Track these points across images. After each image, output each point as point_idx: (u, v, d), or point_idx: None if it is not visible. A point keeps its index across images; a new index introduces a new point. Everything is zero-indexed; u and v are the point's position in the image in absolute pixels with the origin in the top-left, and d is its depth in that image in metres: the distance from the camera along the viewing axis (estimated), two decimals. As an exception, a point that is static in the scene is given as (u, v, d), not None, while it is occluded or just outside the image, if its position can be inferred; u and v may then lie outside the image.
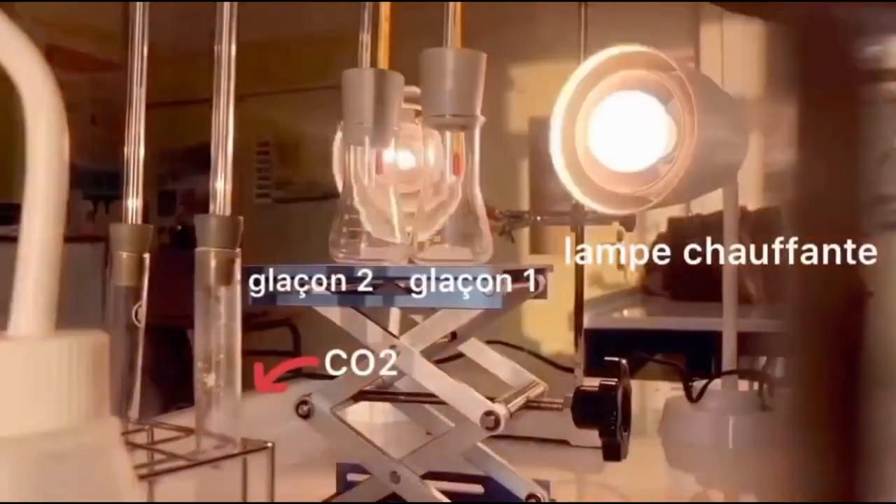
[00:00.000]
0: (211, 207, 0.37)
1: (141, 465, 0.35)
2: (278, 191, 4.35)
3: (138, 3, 0.40)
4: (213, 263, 0.36)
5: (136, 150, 0.39)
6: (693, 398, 0.93)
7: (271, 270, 0.55)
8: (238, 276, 0.38)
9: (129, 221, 0.39)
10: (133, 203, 0.39)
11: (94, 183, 4.27)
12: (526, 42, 3.40)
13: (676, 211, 2.84)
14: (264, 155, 4.36)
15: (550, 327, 2.77)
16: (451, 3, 0.56)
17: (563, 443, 0.88)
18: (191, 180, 4.61)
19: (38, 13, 3.96)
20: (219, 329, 0.36)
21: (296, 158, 4.33)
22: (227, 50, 0.36)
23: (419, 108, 0.58)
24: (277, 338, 3.61)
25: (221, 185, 0.37)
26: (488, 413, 0.52)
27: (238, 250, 0.38)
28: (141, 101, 0.39)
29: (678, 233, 2.70)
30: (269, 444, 0.37)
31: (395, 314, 0.76)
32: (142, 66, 0.39)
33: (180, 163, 4.45)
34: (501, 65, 3.61)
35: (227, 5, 0.36)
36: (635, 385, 0.73)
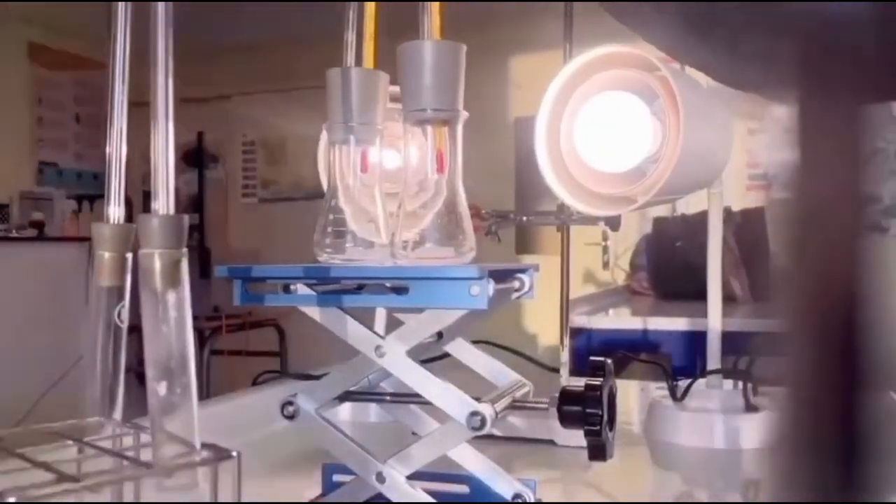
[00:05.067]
0: (153, 205, 0.34)
1: (104, 472, 0.34)
2: (264, 190, 4.34)
3: (120, 3, 0.39)
4: (157, 265, 0.34)
5: (118, 149, 0.39)
6: (677, 397, 0.94)
7: (257, 270, 0.54)
8: (186, 277, 0.36)
9: (112, 221, 0.39)
10: (115, 203, 0.39)
11: (78, 182, 4.25)
12: (521, 37, 3.40)
13: (661, 211, 2.85)
14: (250, 154, 4.35)
15: (537, 326, 2.78)
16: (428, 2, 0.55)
17: (549, 442, 0.88)
18: (176, 179, 4.59)
19: (23, 12, 3.93)
20: (169, 334, 0.34)
21: (282, 158, 4.32)
22: (164, 50, 0.34)
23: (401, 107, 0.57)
24: (263, 338, 3.61)
25: (164, 182, 0.35)
26: (474, 413, 0.52)
27: (185, 250, 0.36)
28: (123, 99, 0.39)
29: (663, 232, 2.72)
30: (235, 454, 0.36)
31: (381, 314, 0.76)
32: (124, 65, 0.39)
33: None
34: (497, 60, 3.62)
35: (161, 5, 0.34)
36: (621, 385, 0.73)
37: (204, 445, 0.34)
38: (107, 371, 0.39)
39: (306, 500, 0.62)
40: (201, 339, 3.28)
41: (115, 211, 0.39)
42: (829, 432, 0.21)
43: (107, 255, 0.38)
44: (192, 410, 0.33)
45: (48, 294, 3.07)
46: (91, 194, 4.17)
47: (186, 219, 0.33)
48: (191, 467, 0.32)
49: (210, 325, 3.32)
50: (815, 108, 0.21)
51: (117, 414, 0.39)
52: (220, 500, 0.34)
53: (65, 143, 4.26)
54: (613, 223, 0.97)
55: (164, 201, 0.33)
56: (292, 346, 3.58)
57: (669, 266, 2.55)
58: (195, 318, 0.34)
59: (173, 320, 0.32)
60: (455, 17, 0.59)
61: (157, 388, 0.32)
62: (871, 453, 0.21)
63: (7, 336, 2.95)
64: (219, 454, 0.33)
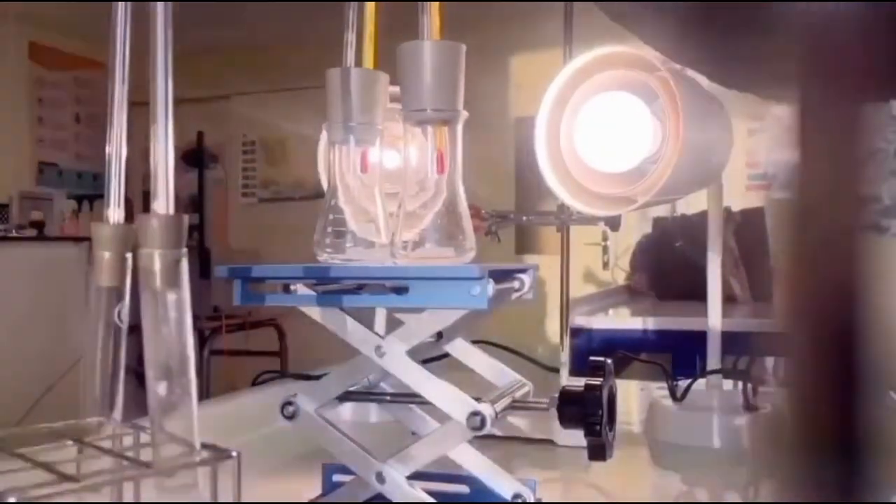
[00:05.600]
0: (153, 205, 0.34)
1: (104, 472, 0.34)
2: (264, 190, 4.34)
3: (120, 3, 0.39)
4: (157, 265, 0.34)
5: (118, 149, 0.39)
6: (677, 397, 0.94)
7: (257, 270, 0.54)
8: (186, 277, 0.35)
9: (112, 221, 0.39)
10: (115, 203, 0.39)
11: (78, 182, 4.25)
12: (522, 37, 3.40)
13: (662, 211, 2.85)
14: (250, 154, 4.35)
15: (537, 326, 2.78)
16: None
17: (549, 442, 0.88)
18: (176, 180, 4.59)
19: (23, 11, 3.93)
20: (169, 334, 0.34)
21: (282, 158, 4.32)
22: (164, 50, 0.34)
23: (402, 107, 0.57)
24: (263, 338, 3.60)
25: (164, 182, 0.34)
26: (474, 413, 0.52)
27: (185, 250, 0.35)
28: (123, 100, 0.39)
29: (663, 232, 2.72)
30: (235, 454, 0.35)
31: (381, 314, 0.76)
32: (124, 65, 0.39)
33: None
34: (498, 60, 3.62)
35: (160, 5, 0.34)
36: (621, 385, 0.72)
37: (204, 445, 0.34)
38: (107, 371, 0.39)
39: (306, 500, 0.62)
40: (201, 339, 3.28)
41: (115, 211, 0.39)
42: (828, 432, 0.21)
43: (106, 255, 0.38)
44: (191, 410, 0.33)
45: (48, 294, 3.07)
46: (91, 194, 4.17)
47: (186, 219, 0.33)
48: (191, 467, 0.32)
49: (210, 326, 3.32)
50: (814, 106, 0.21)
51: (117, 414, 0.39)
52: (219, 500, 0.34)
53: (65, 143, 4.26)
54: (613, 223, 0.97)
55: (164, 201, 0.32)
56: (292, 346, 3.58)
57: (669, 266, 2.56)
58: (195, 318, 0.34)
59: (173, 320, 0.32)
60: (455, 17, 0.59)
61: (157, 389, 0.32)
62: (871, 453, 0.21)
63: (6, 335, 2.95)
64: (219, 454, 0.33)
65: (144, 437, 0.38)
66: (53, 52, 4.19)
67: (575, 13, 1.04)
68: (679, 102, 0.65)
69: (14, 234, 3.13)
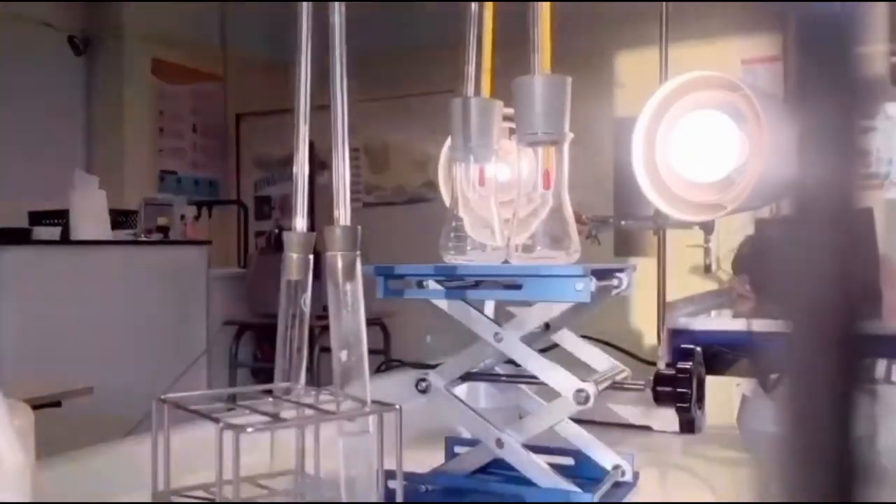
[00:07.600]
0: (335, 216, 0.45)
1: (303, 416, 0.45)
2: (367, 196, 4.51)
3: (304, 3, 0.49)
4: (339, 264, 0.45)
5: (302, 169, 0.50)
6: (767, 390, 0.99)
7: (398, 269, 0.65)
8: (360, 273, 0.46)
9: (298, 229, 0.49)
10: (301, 215, 0.49)
11: (195, 189, 4.52)
12: (625, 36, 3.45)
13: (763, 211, 2.84)
14: (354, 161, 4.52)
15: (639, 327, 2.82)
16: (537, 32, 0.65)
17: (647, 428, 0.96)
18: (286, 186, 4.83)
19: (145, 30, 4.23)
20: (347, 316, 0.44)
21: (384, 165, 4.48)
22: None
23: (513, 125, 0.67)
24: (369, 337, 3.74)
25: (344, 198, 0.45)
26: (579, 390, 0.61)
27: (358, 252, 0.46)
28: (305, 137, 0.49)
29: (765, 234, 2.70)
30: (397, 406, 0.46)
31: (490, 307, 0.86)
32: (306, 106, 0.50)
33: (276, 169, 4.68)
34: (600, 59, 3.67)
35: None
36: (722, 381, 0.78)
37: (372, 402, 0.44)
38: (293, 346, 0.50)
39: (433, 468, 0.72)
40: (311, 337, 3.44)
41: (301, 221, 0.50)
42: (827, 433, 0.23)
43: (294, 256, 0.49)
44: (364, 372, 0.43)
45: (172, 290, 3.30)
46: (209, 200, 4.43)
47: (360, 228, 0.44)
48: (365, 414, 0.43)
49: (320, 325, 3.47)
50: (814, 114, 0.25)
51: (301, 380, 0.50)
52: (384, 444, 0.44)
53: (183, 153, 4.55)
54: (707, 226, 1.04)
55: (343, 213, 0.43)
56: (396, 343, 3.73)
57: (771, 269, 2.55)
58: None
59: (350, 305, 0.43)
60: (559, 18, 0.67)
61: (339, 356, 0.43)
62: (870, 453, 0.23)
63: (136, 330, 3.19)
64: (385, 406, 0.43)
65: (323, 397, 0.49)
66: (173, 68, 4.48)
67: (672, 14, 1.11)
68: (761, 118, 0.73)
69: (143, 237, 3.38)
